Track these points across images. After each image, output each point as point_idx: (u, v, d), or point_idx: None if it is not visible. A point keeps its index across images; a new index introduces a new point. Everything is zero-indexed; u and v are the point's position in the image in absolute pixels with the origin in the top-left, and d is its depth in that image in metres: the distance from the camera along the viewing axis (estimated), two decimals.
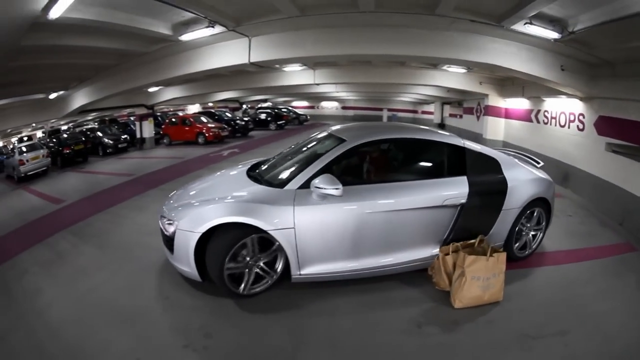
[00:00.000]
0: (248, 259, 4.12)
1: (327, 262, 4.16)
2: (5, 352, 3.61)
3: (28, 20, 5.91)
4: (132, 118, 26.74)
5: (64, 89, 15.69)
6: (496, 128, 14.79)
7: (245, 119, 25.11)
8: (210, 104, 31.34)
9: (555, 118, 10.47)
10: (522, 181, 4.89)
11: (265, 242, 4.11)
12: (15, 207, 11.48)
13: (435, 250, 4.44)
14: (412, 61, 13.32)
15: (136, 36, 8.64)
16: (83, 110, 17.89)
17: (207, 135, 20.33)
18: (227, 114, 25.71)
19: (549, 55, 8.22)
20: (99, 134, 22.07)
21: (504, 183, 4.71)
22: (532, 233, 5.22)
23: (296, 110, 31.29)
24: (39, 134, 31.33)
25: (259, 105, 31.92)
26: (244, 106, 31.72)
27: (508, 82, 13.60)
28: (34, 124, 24.09)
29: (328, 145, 4.67)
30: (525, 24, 6.57)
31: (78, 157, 19.64)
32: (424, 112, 29.90)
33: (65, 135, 21.92)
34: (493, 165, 4.84)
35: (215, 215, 3.94)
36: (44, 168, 17.78)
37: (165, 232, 4.33)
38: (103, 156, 20.55)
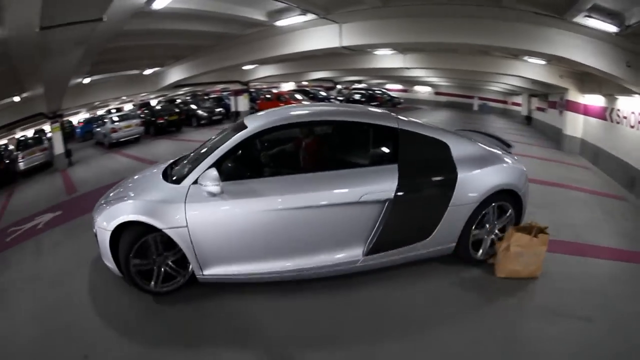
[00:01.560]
0: (154, 257, 3.87)
1: (233, 263, 3.78)
2: None
3: (132, 11, 6.69)
4: (224, 93, 28.33)
5: (159, 66, 17.32)
6: (575, 124, 13.94)
7: (340, 98, 25.51)
8: (305, 83, 32.14)
9: (626, 118, 9.73)
10: (481, 170, 4.04)
11: (172, 241, 3.77)
12: (111, 167, 12.84)
13: (358, 253, 3.84)
14: (494, 51, 13.04)
15: (233, 21, 9.48)
16: (178, 85, 19.64)
17: None
18: (321, 92, 26.29)
19: (614, 50, 7.75)
20: (193, 106, 23.61)
21: (452, 172, 3.92)
22: (498, 232, 4.37)
23: (390, 92, 31.16)
24: (128, 106, 33.95)
25: (353, 86, 32.18)
26: (338, 86, 32.15)
27: (587, 77, 12.76)
28: (124, 97, 26.12)
29: (231, 134, 4.09)
30: (584, 17, 6.45)
31: (171, 127, 20.91)
32: (513, 104, 28.34)
33: (159, 107, 23.80)
34: (439, 151, 4.06)
35: (120, 214, 3.80)
36: (136, 136, 19.14)
37: (93, 229, 4.22)
38: (196, 127, 21.82)
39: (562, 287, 3.93)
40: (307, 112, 4.63)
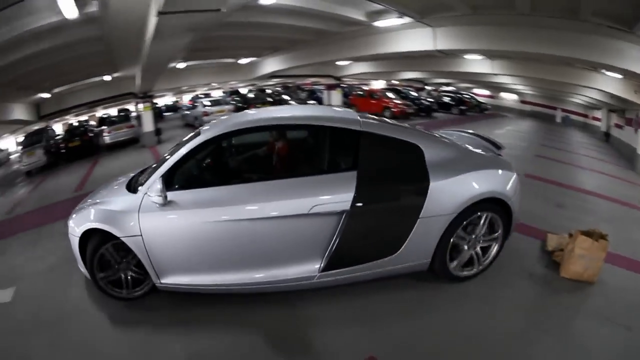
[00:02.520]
0: (117, 265, 3.92)
1: (187, 273, 3.72)
2: None
3: (244, 3, 7.42)
4: (316, 87, 29.34)
5: (256, 56, 18.38)
6: None
7: (430, 99, 25.45)
8: (396, 82, 32.33)
9: None
10: (459, 176, 3.64)
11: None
12: None
13: (314, 269, 3.59)
14: (574, 62, 12.66)
15: (334, 19, 10.11)
16: (272, 76, 20.66)
17: (394, 110, 21.22)
18: (412, 92, 26.38)
19: None
20: (285, 97, 24.59)
21: (423, 180, 3.54)
22: (482, 245, 3.97)
23: (477, 97, 30.48)
24: (216, 93, 35.88)
25: (442, 88, 31.84)
26: (427, 87, 31.98)
27: None
28: (214, 84, 27.66)
29: (184, 142, 3.97)
30: None
31: None
32: (594, 118, 26.33)
33: (251, 95, 25.26)
34: (409, 155, 3.69)
35: (85, 221, 3.87)
36: None
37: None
38: None
39: (613, 297, 4.01)
40: (262, 117, 4.22)
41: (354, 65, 21.26)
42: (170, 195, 3.52)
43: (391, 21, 9.58)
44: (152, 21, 6.88)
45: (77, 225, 3.91)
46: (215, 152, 4.35)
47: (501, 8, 8.00)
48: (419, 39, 10.20)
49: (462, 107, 25.91)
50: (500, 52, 11.77)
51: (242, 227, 3.47)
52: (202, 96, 31.05)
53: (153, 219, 3.57)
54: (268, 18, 9.52)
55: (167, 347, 3.37)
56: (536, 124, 22.60)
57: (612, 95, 14.83)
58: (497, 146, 4.55)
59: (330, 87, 23.77)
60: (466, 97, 27.18)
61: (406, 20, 9.26)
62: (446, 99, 26.99)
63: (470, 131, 5.21)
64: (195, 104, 22.71)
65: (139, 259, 3.71)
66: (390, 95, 22.54)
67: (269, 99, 23.69)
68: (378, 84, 31.22)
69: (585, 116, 27.66)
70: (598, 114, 24.58)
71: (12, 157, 33.52)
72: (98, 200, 4.17)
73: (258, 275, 3.62)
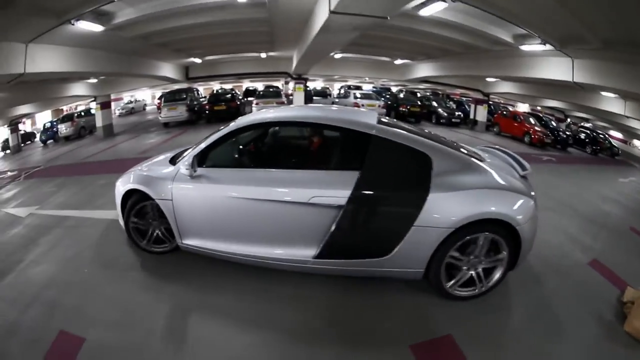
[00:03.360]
0: (150, 220, 4.77)
1: (205, 238, 4.35)
2: None
3: (403, 12, 8.81)
4: (464, 99, 29.90)
5: (410, 59, 19.82)
6: None
7: (568, 133, 24.72)
8: (539, 108, 31.62)
9: None
10: (464, 191, 3.72)
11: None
12: None
13: (309, 254, 3.95)
14: None
15: (483, 37, 11.21)
16: (423, 80, 22.08)
17: (533, 136, 21.03)
18: (552, 122, 25.81)
19: None
20: (434, 103, 25.34)
21: (423, 189, 3.68)
22: (484, 266, 3.96)
23: (612, 140, 28.23)
24: (366, 86, 37.47)
25: (582, 124, 30.33)
26: (568, 120, 30.76)
27: None
28: (366, 78, 29.41)
29: (219, 130, 4.54)
30: None
31: (411, 117, 22.84)
32: None
33: (401, 96, 26.37)
34: (416, 163, 3.87)
35: (130, 181, 4.68)
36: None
37: None
38: (435, 124, 23.37)
39: None
40: (286, 113, 4.83)
41: (501, 83, 21.72)
42: (200, 171, 4.21)
43: (535, 47, 10.36)
44: (322, 16, 7.89)
45: (123, 184, 4.85)
46: (244, 139, 4.81)
47: (630, 45, 8.11)
48: (559, 68, 10.87)
49: (595, 147, 24.71)
50: (633, 93, 11.69)
51: (251, 205, 3.97)
52: (353, 87, 32.91)
53: (183, 188, 4.26)
54: (423, 26, 10.84)
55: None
56: None
57: None
58: (523, 167, 4.44)
59: (478, 102, 24.38)
60: (600, 137, 25.79)
61: (548, 47, 9.98)
62: (582, 135, 25.91)
63: (498, 147, 5.26)
64: (347, 94, 24.45)
65: (169, 225, 4.50)
66: (532, 120, 22.48)
67: (419, 103, 24.66)
68: (522, 107, 30.82)
69: None
70: None
71: (147, 108, 39.64)
72: (145, 168, 5.01)
73: (260, 251, 4.11)
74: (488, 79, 21.02)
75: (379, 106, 21.60)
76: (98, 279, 4.52)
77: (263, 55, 19.13)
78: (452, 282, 3.95)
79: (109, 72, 14.10)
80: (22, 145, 25.68)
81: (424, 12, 9.03)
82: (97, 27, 8.99)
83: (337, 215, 3.74)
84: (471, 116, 24.90)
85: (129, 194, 4.72)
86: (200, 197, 4.23)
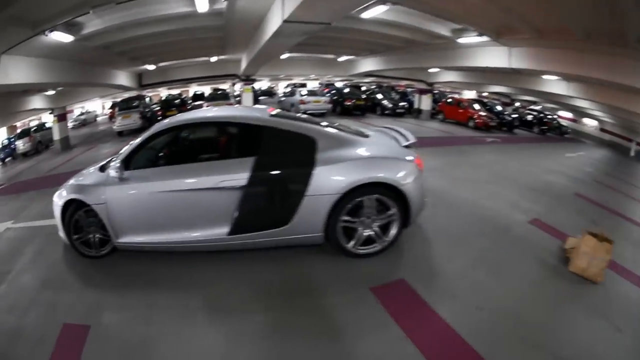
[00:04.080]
0: (87, 228, 4.90)
1: (137, 233, 4.66)
2: None
3: (346, 16, 8.96)
4: (409, 90, 30.86)
5: (354, 55, 20.38)
6: None
7: (514, 115, 25.73)
8: (485, 94, 32.91)
9: None
10: (343, 163, 4.40)
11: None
12: None
13: (224, 232, 4.50)
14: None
15: (422, 32, 11.82)
16: (367, 75, 22.75)
17: (477, 121, 21.90)
18: (497, 107, 26.72)
19: None
20: (379, 96, 26.06)
21: (309, 165, 4.36)
22: (379, 224, 4.61)
23: (560, 120, 29.78)
24: (311, 84, 38.35)
25: (530, 107, 31.74)
26: (516, 104, 32.11)
27: None
28: (311, 75, 30.23)
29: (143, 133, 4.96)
30: None
31: (356, 110, 23.67)
32: None
33: (347, 90, 26.70)
34: (302, 145, 4.53)
35: (66, 194, 4.87)
36: (323, 111, 21.64)
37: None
38: (380, 115, 24.15)
39: (614, 300, 4.31)
40: (194, 115, 5.37)
41: (443, 73, 22.56)
42: (127, 173, 4.59)
43: (472, 39, 11.01)
44: (275, 24, 8.42)
45: (59, 198, 4.96)
46: (164, 140, 5.10)
47: (561, 33, 8.75)
48: (496, 57, 11.48)
49: (543, 127, 25.85)
50: (573, 75, 12.29)
51: (173, 196, 4.47)
52: (298, 85, 33.57)
53: (114, 191, 4.59)
54: (366, 26, 11.34)
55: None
56: (610, 154, 21.89)
57: None
58: (407, 138, 5.20)
59: (422, 92, 25.28)
60: (548, 118, 26.99)
61: (485, 39, 10.62)
62: (529, 117, 27.04)
63: (387, 126, 5.97)
64: (294, 92, 24.74)
65: (104, 223, 4.69)
66: (476, 106, 23.27)
67: (363, 96, 25.23)
68: (469, 94, 31.90)
69: None
70: None
71: (98, 119, 38.96)
72: (80, 178, 5.22)
73: (184, 236, 4.57)
74: (430, 70, 21.84)
75: (325, 102, 22.40)
76: (91, 271, 4.78)
77: (213, 59, 19.27)
78: (352, 242, 4.59)
79: (71, 82, 13.89)
80: None
81: (366, 14, 9.44)
82: (67, 38, 8.87)
83: (241, 194, 4.35)
84: (415, 106, 25.73)
85: (67, 206, 4.88)
86: (129, 196, 4.59)
